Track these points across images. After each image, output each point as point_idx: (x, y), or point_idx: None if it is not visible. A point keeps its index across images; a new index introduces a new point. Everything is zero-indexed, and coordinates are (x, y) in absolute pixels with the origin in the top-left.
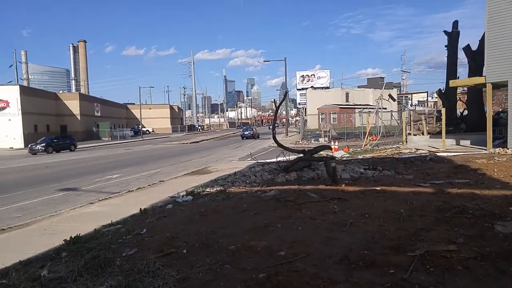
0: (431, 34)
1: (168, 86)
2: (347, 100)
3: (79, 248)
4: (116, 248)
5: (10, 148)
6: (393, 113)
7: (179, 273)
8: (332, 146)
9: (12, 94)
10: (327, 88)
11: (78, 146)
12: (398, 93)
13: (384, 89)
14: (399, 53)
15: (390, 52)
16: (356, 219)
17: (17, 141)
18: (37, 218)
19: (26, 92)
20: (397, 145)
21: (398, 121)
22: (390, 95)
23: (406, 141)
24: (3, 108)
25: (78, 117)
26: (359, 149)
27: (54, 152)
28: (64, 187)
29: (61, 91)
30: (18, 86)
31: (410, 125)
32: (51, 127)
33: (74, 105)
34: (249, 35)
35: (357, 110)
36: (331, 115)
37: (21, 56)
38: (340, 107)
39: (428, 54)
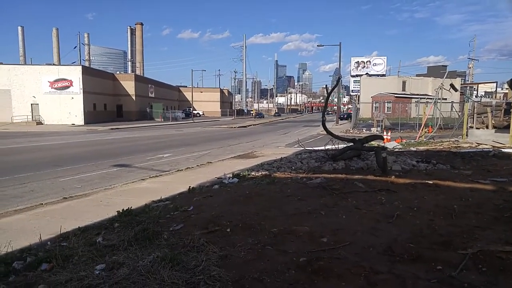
0: (508, 18)
1: (219, 70)
2: (403, 89)
3: (130, 220)
4: (164, 223)
5: (72, 124)
6: (454, 104)
7: (222, 250)
8: (384, 137)
9: (75, 74)
10: (383, 75)
11: (132, 126)
12: (462, 83)
13: (446, 78)
14: (468, 38)
15: (457, 38)
16: (404, 211)
17: (78, 118)
18: (94, 190)
19: (87, 72)
20: (455, 139)
21: (459, 113)
22: (452, 85)
23: (467, 135)
24: (67, 87)
25: (133, 97)
26: (412, 141)
27: None
28: (118, 163)
29: (118, 72)
30: (80, 67)
31: (473, 118)
32: (108, 106)
33: (129, 86)
34: (304, 19)
35: (413, 100)
36: (386, 104)
37: (84, 38)
38: (396, 96)
39: (502, 41)
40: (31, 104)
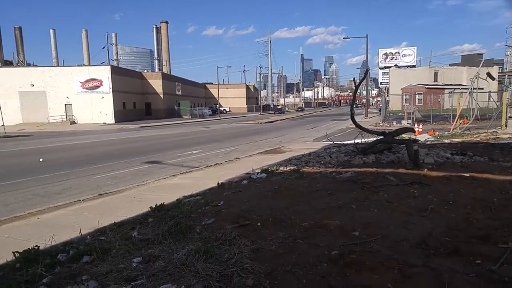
0: None
1: (244, 66)
2: (435, 80)
3: (163, 215)
4: (196, 217)
5: (103, 123)
6: (491, 93)
7: (253, 244)
8: (416, 129)
9: (104, 73)
10: (413, 66)
11: (161, 123)
12: (500, 71)
13: (482, 66)
14: (505, 25)
15: (493, 24)
16: (439, 205)
17: (109, 117)
18: (127, 187)
19: (116, 71)
20: (493, 130)
21: (497, 103)
22: (488, 73)
23: (506, 125)
24: (97, 87)
25: (161, 95)
26: (446, 133)
27: None
28: (149, 160)
29: (145, 71)
30: (109, 66)
31: None
32: (137, 104)
33: (157, 84)
34: (330, 12)
35: (446, 91)
36: (416, 95)
37: (112, 38)
38: (427, 87)
39: None
40: (65, 104)
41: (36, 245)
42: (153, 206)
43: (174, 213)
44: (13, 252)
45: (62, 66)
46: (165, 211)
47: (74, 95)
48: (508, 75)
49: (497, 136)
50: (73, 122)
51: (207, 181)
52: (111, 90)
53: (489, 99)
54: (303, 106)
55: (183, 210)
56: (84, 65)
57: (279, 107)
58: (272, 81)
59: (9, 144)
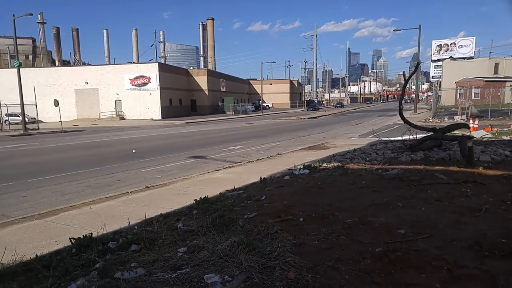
0: None
1: (289, 61)
2: (495, 72)
3: (207, 207)
4: (238, 211)
5: (151, 119)
6: None
7: (295, 238)
8: (471, 125)
9: (152, 71)
10: (471, 58)
11: (205, 119)
12: None
13: None
14: None
15: None
16: (494, 205)
17: (156, 113)
18: (173, 180)
19: (163, 68)
20: None
21: None
22: None
23: None
24: (145, 84)
25: (206, 92)
26: (506, 129)
27: None
28: (194, 154)
29: (191, 68)
30: (157, 64)
31: None
32: (183, 101)
33: (202, 81)
34: (379, 3)
35: (508, 84)
36: (473, 89)
37: (159, 36)
38: (486, 81)
39: None
40: (115, 101)
41: (90, 233)
42: (197, 199)
43: (218, 206)
44: (69, 238)
45: (113, 64)
46: (209, 204)
47: (123, 91)
48: None
49: None
50: (122, 118)
51: (249, 176)
52: (158, 86)
53: None
54: (340, 102)
55: (226, 204)
56: (133, 62)
57: (313, 102)
58: (317, 76)
59: (67, 138)
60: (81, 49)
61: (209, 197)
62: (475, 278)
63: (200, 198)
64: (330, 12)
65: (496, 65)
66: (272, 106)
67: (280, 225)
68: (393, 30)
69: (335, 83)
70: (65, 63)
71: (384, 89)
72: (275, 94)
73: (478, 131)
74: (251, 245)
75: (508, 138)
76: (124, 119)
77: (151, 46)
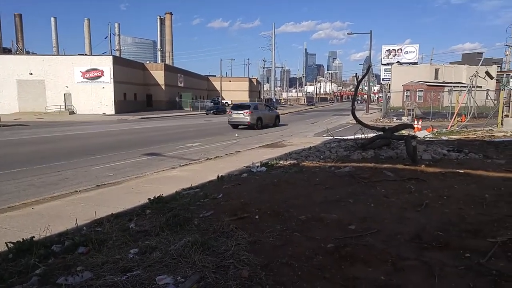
0: None
1: (248, 59)
2: (436, 77)
3: (161, 207)
4: (194, 210)
5: (103, 114)
6: (489, 92)
7: (251, 236)
8: (415, 126)
9: (106, 64)
10: (415, 63)
11: (161, 115)
12: (499, 70)
13: (481, 65)
14: (506, 25)
15: (494, 24)
16: (433, 200)
17: (109, 108)
18: (126, 178)
19: (118, 62)
20: (489, 128)
21: (495, 101)
22: (487, 72)
23: (502, 124)
24: (98, 77)
25: (163, 87)
26: (444, 130)
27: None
28: (149, 152)
29: (147, 62)
30: (111, 57)
31: (509, 106)
32: (138, 96)
33: (159, 76)
34: (336, 7)
35: (446, 89)
36: (417, 92)
37: (114, 28)
38: (428, 85)
39: None
40: (64, 94)
41: (31, 236)
42: (151, 198)
43: (173, 205)
44: (6, 242)
45: (63, 55)
46: (163, 203)
47: (74, 85)
48: (507, 74)
49: (493, 134)
50: (72, 112)
51: (207, 174)
52: (112, 80)
53: (486, 97)
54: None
55: (181, 203)
56: (86, 54)
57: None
58: (275, 75)
59: (6, 133)
60: (25, 37)
61: (164, 195)
62: (415, 269)
63: (154, 197)
64: (290, 13)
65: (436, 71)
66: (232, 103)
67: (236, 223)
68: (347, 34)
69: (292, 82)
70: (6, 51)
71: (339, 90)
72: (234, 92)
73: (421, 131)
74: (205, 244)
75: (446, 138)
76: (74, 113)
77: (105, 38)
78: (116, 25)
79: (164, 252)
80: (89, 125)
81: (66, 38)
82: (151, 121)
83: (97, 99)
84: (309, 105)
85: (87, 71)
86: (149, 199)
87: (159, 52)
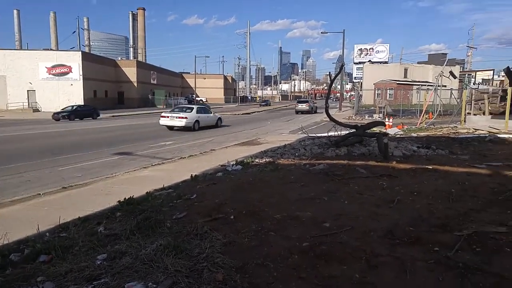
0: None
1: (223, 57)
2: (405, 76)
3: (132, 209)
4: (167, 211)
5: None
6: (453, 91)
7: (225, 237)
8: (386, 123)
9: (74, 59)
10: (385, 63)
11: (134, 113)
12: (461, 70)
13: (446, 65)
14: (469, 27)
15: (458, 26)
16: (405, 196)
17: None
18: (95, 179)
19: (88, 58)
20: (454, 125)
21: (458, 100)
22: (451, 72)
23: (465, 121)
24: (66, 73)
25: (135, 84)
26: (414, 127)
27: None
28: (120, 151)
29: (119, 58)
30: (80, 52)
31: (471, 104)
32: (109, 93)
33: (131, 72)
34: (311, 6)
35: (415, 87)
36: (388, 91)
37: (83, 23)
38: (398, 83)
39: (500, 29)
40: (28, 90)
41: None
42: (122, 199)
43: (144, 207)
44: None
45: (26, 50)
46: (135, 205)
47: (38, 81)
48: (468, 74)
49: (457, 131)
50: (36, 110)
51: (180, 174)
52: (81, 77)
53: (451, 96)
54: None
55: (153, 204)
56: (52, 49)
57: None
58: (250, 73)
59: None
60: None
61: (135, 197)
62: (388, 265)
63: (125, 198)
64: (266, 11)
65: (406, 70)
66: (206, 101)
67: (210, 225)
68: (321, 33)
69: (267, 80)
70: None
71: (313, 88)
72: (209, 89)
73: (392, 129)
74: (178, 247)
75: (415, 135)
76: (39, 111)
77: (73, 32)
78: (85, 20)
79: (135, 257)
80: (55, 123)
81: (30, 32)
82: (123, 119)
83: (65, 96)
84: (262, 105)
85: (53, 67)
86: (119, 201)
87: (131, 49)
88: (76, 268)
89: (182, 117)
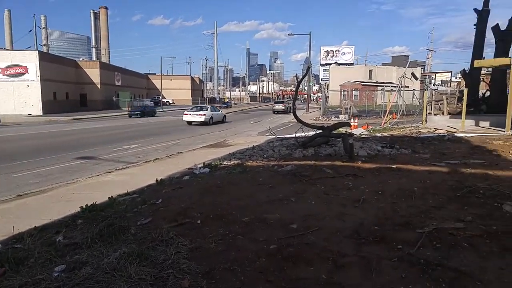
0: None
1: (190, 57)
2: (370, 78)
3: (94, 216)
4: (131, 217)
5: (29, 114)
6: (415, 92)
7: (192, 243)
8: (352, 123)
9: (31, 59)
10: (351, 64)
11: (97, 115)
12: (422, 72)
13: (408, 67)
14: (429, 31)
15: (419, 30)
16: (370, 195)
17: (36, 108)
18: (54, 185)
19: (45, 58)
20: (416, 124)
21: (420, 100)
22: (413, 74)
23: (426, 121)
24: (21, 74)
25: (98, 85)
26: (378, 127)
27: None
28: (82, 155)
29: (81, 59)
30: (37, 52)
31: (431, 105)
32: (71, 95)
33: (94, 74)
34: (278, 8)
35: (379, 88)
36: (353, 92)
37: (40, 21)
38: (363, 84)
39: (458, 33)
40: None
41: None
42: (84, 206)
43: (107, 214)
44: None
45: None
46: (97, 212)
47: None
48: (429, 76)
49: (419, 130)
50: None
51: (146, 178)
52: (38, 78)
53: (413, 96)
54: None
55: (117, 210)
56: (5, 49)
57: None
58: (218, 74)
59: None
60: None
61: (97, 203)
62: (355, 265)
63: (87, 205)
64: (233, 12)
65: (370, 71)
66: (173, 103)
67: (176, 230)
68: (288, 34)
69: (236, 82)
70: None
71: (281, 89)
72: (176, 90)
73: (358, 129)
74: (143, 255)
75: (379, 135)
76: None
77: (29, 31)
78: (42, 18)
79: (96, 266)
80: (10, 127)
81: None
82: (85, 122)
83: (21, 99)
84: (222, 108)
85: (8, 67)
86: (81, 207)
87: (94, 49)
88: (31, 281)
89: (201, 114)
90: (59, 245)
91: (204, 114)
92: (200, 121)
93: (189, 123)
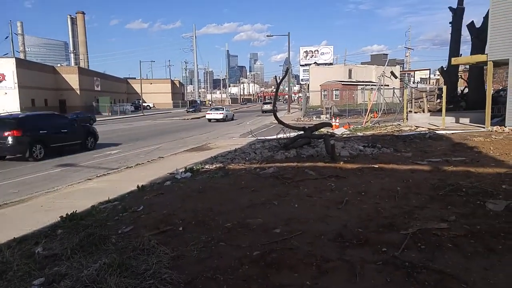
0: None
1: (169, 61)
2: (349, 77)
3: (75, 225)
4: (112, 225)
5: None
6: (395, 90)
7: (174, 251)
8: (333, 123)
9: (8, 66)
10: (330, 64)
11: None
12: (401, 70)
13: (387, 66)
14: (406, 29)
15: (397, 28)
16: (353, 196)
17: None
18: (34, 194)
19: (23, 65)
20: (397, 123)
21: (400, 99)
22: (392, 72)
23: (407, 119)
24: None
25: (78, 91)
26: (359, 126)
27: None
28: (62, 162)
29: (59, 65)
30: (14, 59)
31: (411, 103)
32: (49, 101)
33: (73, 79)
34: (256, 9)
35: (359, 87)
36: (334, 91)
37: (17, 27)
38: (343, 84)
39: (434, 31)
40: None
41: None
42: (64, 215)
43: (88, 222)
44: None
45: None
46: (78, 220)
47: None
48: (408, 74)
49: (400, 129)
50: None
51: (127, 184)
52: (16, 85)
53: (393, 95)
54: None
55: (98, 219)
56: None
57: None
58: (198, 77)
59: None
60: None
61: (78, 212)
62: (339, 269)
63: (67, 214)
64: (212, 15)
65: (350, 71)
66: (154, 106)
67: (158, 238)
68: (267, 36)
69: (216, 84)
70: None
71: (262, 91)
72: (156, 94)
73: (339, 129)
74: (123, 265)
75: (361, 134)
76: None
77: (6, 38)
78: (19, 24)
79: (76, 279)
80: None
81: None
82: None
83: None
84: (189, 112)
85: None
86: (61, 216)
87: (72, 54)
88: None
89: (220, 113)
90: (38, 257)
91: (222, 113)
92: (219, 118)
93: (209, 120)
